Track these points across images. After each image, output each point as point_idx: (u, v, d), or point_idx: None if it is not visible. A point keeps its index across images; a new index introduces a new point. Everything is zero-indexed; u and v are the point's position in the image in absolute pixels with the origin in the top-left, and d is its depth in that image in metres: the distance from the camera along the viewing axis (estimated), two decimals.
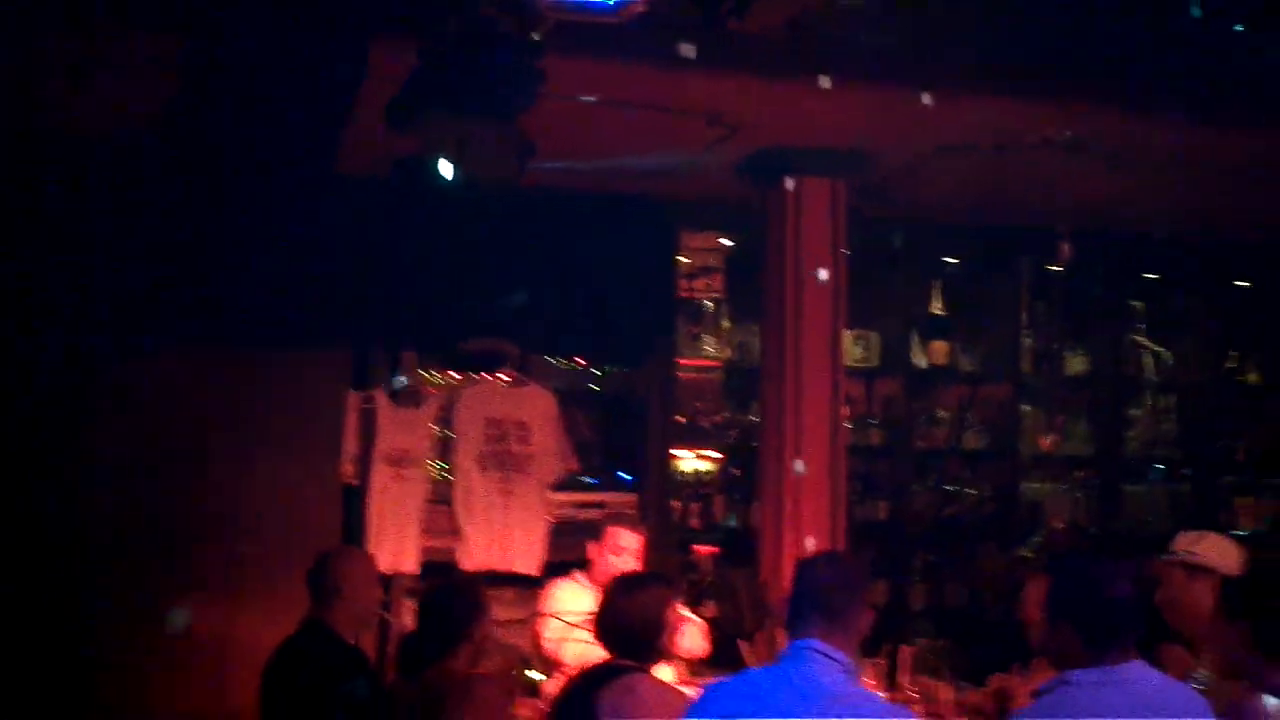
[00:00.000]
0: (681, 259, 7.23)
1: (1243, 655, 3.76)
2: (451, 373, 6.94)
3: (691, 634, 5.37)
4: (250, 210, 6.18)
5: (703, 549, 7.22)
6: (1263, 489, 8.05)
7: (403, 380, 6.57)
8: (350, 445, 6.46)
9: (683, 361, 7.22)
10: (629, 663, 4.06)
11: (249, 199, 6.15)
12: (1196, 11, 4.61)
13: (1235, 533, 7.75)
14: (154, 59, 4.87)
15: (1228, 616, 3.84)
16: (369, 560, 5.16)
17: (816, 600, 3.43)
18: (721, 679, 3.60)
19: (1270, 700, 3.63)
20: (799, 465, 5.95)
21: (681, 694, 4.01)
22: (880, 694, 4.47)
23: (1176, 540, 4.71)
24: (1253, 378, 8.24)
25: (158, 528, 6.17)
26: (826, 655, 3.36)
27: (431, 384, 6.84)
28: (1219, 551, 4.58)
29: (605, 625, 4.17)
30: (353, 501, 6.48)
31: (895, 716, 3.45)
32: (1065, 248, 7.35)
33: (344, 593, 4.74)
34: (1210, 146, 5.85)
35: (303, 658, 4.70)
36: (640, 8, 3.92)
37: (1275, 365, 8.23)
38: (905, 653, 5.21)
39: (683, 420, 7.25)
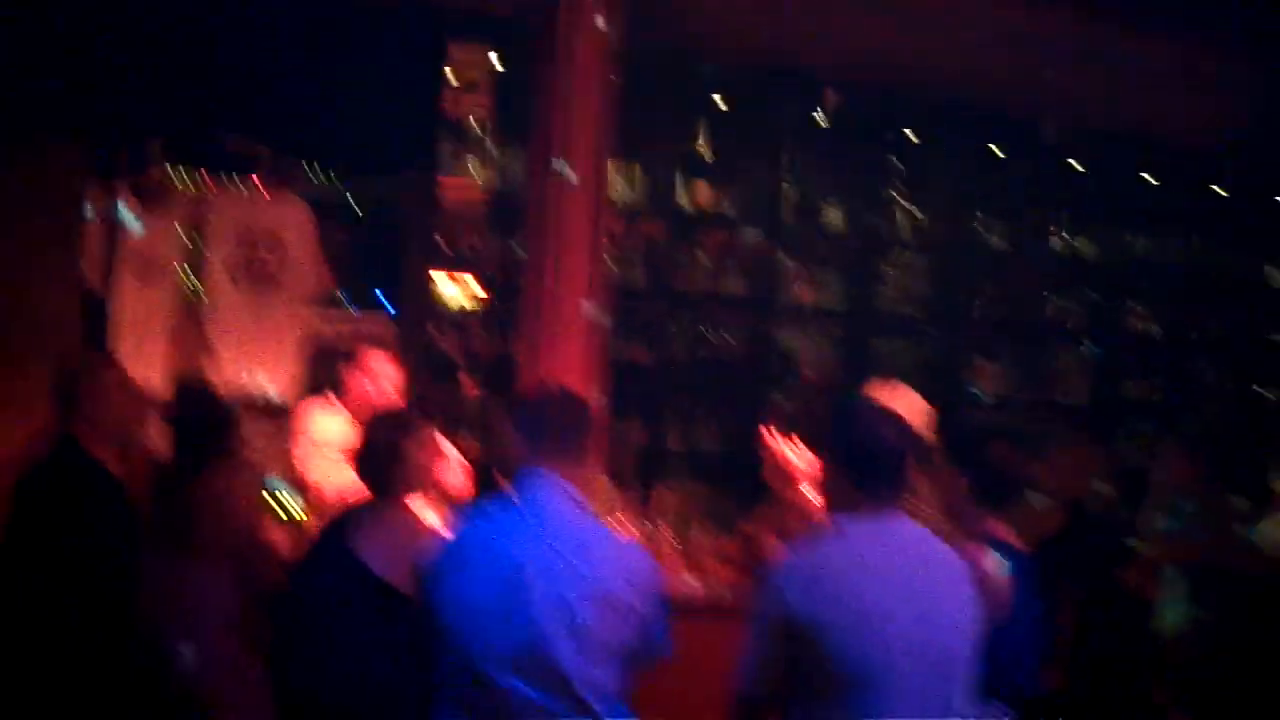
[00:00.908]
0: (449, 74, 6.94)
1: (961, 502, 4.01)
2: (202, 172, 6.62)
3: (450, 468, 5.35)
4: None
5: (463, 380, 7.15)
6: (1000, 353, 8.36)
7: None
8: (93, 248, 6.13)
9: (445, 180, 6.96)
10: (380, 497, 4.05)
11: None
12: None
13: (972, 392, 8.14)
14: None
15: (950, 466, 4.06)
16: (121, 370, 4.77)
17: (548, 432, 3.55)
18: (461, 512, 3.74)
19: (995, 557, 3.84)
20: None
21: (428, 524, 4.05)
22: (616, 527, 4.55)
23: (867, 386, 4.92)
24: (996, 242, 8.51)
25: None
26: (555, 485, 3.48)
27: (180, 184, 6.53)
28: (899, 403, 4.80)
29: (360, 460, 4.12)
30: (99, 311, 6.14)
31: (620, 543, 3.53)
32: (829, 95, 7.43)
33: (92, 406, 4.48)
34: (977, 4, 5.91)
35: (52, 476, 4.46)
36: None
37: (1019, 231, 8.52)
38: (662, 495, 5.29)
39: (443, 244, 7.09)
